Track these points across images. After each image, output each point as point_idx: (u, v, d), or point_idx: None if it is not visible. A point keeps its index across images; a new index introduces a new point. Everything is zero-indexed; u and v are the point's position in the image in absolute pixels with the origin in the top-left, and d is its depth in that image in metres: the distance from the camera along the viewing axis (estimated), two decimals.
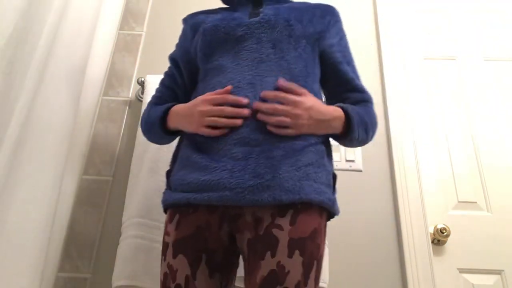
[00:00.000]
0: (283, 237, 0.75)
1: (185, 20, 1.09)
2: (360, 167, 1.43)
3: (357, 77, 1.00)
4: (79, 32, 1.26)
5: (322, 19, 0.99)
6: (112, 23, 1.59)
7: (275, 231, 0.76)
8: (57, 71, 1.16)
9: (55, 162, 1.09)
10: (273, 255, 0.74)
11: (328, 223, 1.28)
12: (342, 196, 1.38)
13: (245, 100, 0.81)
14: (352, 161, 1.43)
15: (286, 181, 0.77)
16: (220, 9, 1.08)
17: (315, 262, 0.77)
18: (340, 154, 1.44)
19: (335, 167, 1.40)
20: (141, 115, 1.09)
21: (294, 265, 0.74)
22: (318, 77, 0.97)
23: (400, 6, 1.79)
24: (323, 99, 0.99)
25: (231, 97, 0.82)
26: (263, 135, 0.80)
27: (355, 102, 0.94)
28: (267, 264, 0.74)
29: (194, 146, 0.87)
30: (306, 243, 0.76)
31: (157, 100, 1.03)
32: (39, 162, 1.05)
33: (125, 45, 1.63)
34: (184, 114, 0.90)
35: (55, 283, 1.21)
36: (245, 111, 0.80)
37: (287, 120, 0.80)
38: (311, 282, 0.75)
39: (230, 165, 0.78)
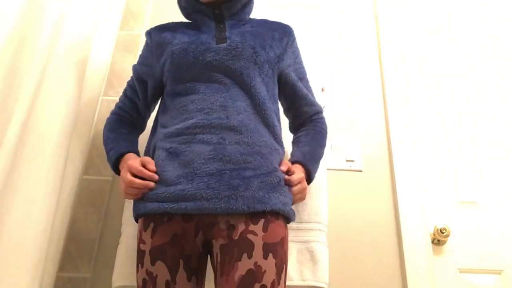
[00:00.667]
0: (258, 241, 0.83)
1: (149, 34, 1.12)
2: (360, 167, 1.43)
3: (310, 91, 1.14)
4: (79, 32, 1.26)
5: (280, 42, 1.08)
6: (112, 23, 1.58)
7: (250, 236, 0.84)
8: (57, 71, 1.16)
9: (55, 162, 1.09)
10: (249, 257, 0.81)
11: (329, 223, 1.29)
12: (342, 196, 1.38)
13: (155, 177, 0.90)
14: (352, 161, 1.43)
15: (257, 193, 0.86)
16: (184, 25, 1.11)
17: (284, 266, 0.85)
18: (340, 154, 1.44)
19: (335, 167, 1.41)
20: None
21: (269, 266, 0.81)
22: (277, 96, 1.08)
23: (400, 6, 1.79)
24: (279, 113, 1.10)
25: (147, 173, 0.90)
26: (236, 155, 0.89)
27: (310, 116, 1.11)
28: (245, 265, 0.80)
29: (166, 157, 0.91)
30: (277, 247, 0.84)
31: (118, 110, 1.12)
32: (39, 162, 1.05)
33: (125, 45, 1.63)
34: (122, 173, 0.96)
35: (55, 283, 1.21)
36: (151, 184, 0.89)
37: (305, 194, 1.00)
38: (282, 282, 0.83)
39: (206, 178, 0.85)
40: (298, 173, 0.98)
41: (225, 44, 0.99)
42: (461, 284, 1.34)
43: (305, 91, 1.12)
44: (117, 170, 1.03)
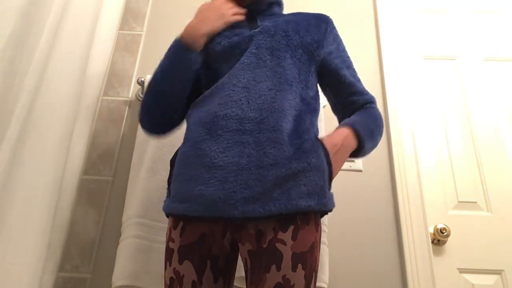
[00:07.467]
0: (287, 251, 0.79)
1: None
2: (360, 167, 1.43)
3: (358, 80, 1.05)
4: (79, 32, 1.26)
5: (317, 28, 1.03)
6: (112, 23, 1.59)
7: (278, 245, 0.79)
8: (57, 71, 1.16)
9: (55, 162, 1.09)
10: (278, 269, 0.77)
11: (329, 223, 1.27)
12: (342, 196, 1.38)
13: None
14: (352, 161, 1.43)
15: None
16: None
17: (314, 274, 0.81)
18: None
19: None
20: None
21: (298, 279, 0.77)
22: (314, 84, 1.02)
23: (400, 6, 1.79)
24: (320, 104, 1.02)
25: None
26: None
27: (360, 106, 1.01)
28: (273, 278, 0.77)
29: (192, 153, 0.86)
30: (306, 256, 0.80)
31: None
32: (39, 162, 1.06)
33: (125, 45, 1.63)
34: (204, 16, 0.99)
35: (55, 283, 1.21)
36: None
37: (342, 159, 0.92)
38: None
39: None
40: (338, 132, 0.90)
41: (258, 29, 0.98)
42: (461, 284, 1.34)
43: (351, 79, 1.03)
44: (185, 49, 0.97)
